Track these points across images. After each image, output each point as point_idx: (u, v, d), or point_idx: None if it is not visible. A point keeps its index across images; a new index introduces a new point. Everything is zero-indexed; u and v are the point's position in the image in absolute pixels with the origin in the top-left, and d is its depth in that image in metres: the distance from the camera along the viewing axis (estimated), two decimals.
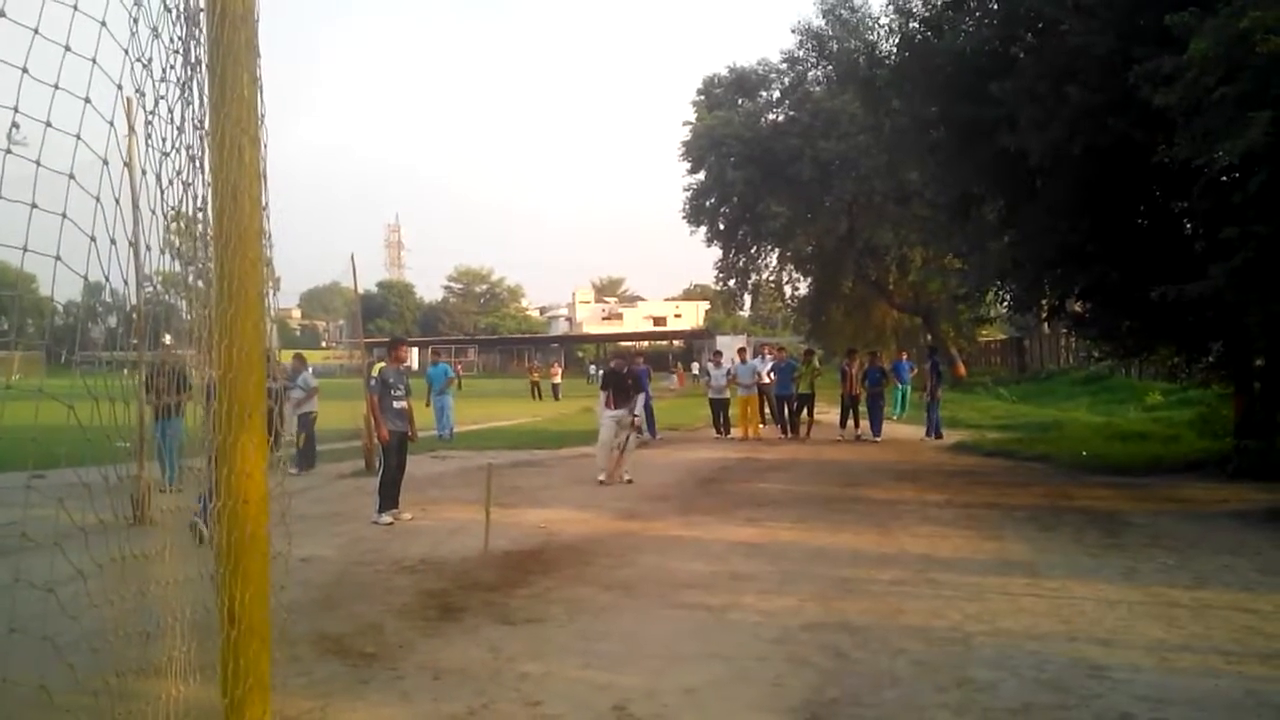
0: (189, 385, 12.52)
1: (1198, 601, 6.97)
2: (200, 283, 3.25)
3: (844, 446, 19.83)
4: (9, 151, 1.88)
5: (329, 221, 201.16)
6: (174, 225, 2.75)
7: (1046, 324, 35.21)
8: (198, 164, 2.39)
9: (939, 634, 6.19)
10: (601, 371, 16.05)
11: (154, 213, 2.31)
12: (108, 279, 2.33)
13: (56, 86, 1.97)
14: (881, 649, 5.88)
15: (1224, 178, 10.88)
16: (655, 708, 4.93)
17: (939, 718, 4.76)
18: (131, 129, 2.47)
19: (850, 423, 21.44)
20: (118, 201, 2.14)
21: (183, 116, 2.40)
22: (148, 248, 2.50)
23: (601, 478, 13.98)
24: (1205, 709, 4.84)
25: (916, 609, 6.83)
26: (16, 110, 1.87)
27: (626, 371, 15.31)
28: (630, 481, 13.96)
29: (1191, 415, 18.42)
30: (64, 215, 2.02)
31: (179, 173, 2.37)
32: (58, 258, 2.00)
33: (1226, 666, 5.49)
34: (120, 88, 2.13)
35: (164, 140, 2.33)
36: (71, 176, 2.01)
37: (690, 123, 46.46)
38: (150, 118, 2.31)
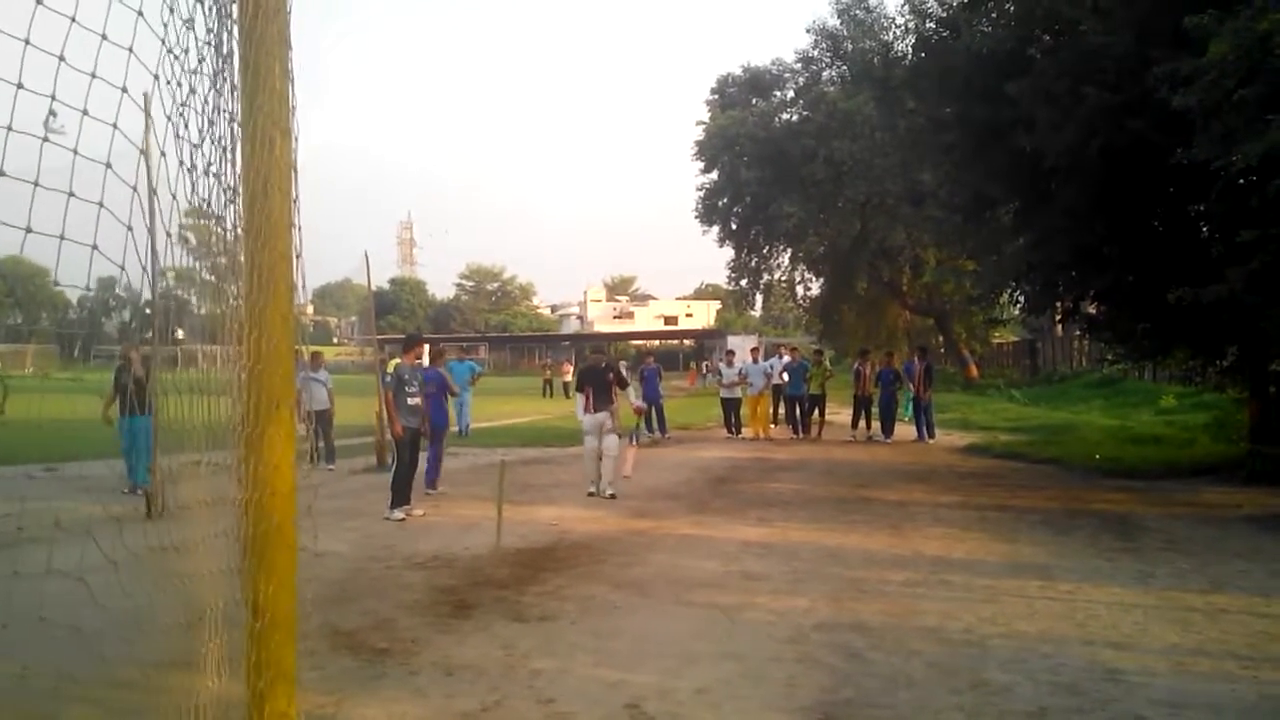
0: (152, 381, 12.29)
1: (1213, 606, 6.94)
2: (214, 278, 3.26)
3: (855, 447, 19.79)
4: (46, 139, 1.88)
5: (341, 219, 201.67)
6: (197, 220, 2.76)
7: (1060, 326, 35.14)
8: (228, 156, 2.40)
9: (953, 636, 6.17)
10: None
11: (188, 202, 2.32)
12: (123, 269, 2.33)
13: (94, 75, 1.98)
14: (895, 650, 5.87)
15: (1242, 180, 10.81)
16: (668, 706, 4.93)
17: None
18: (157, 118, 2.48)
19: (862, 423, 21.40)
20: (154, 193, 2.15)
21: (215, 108, 2.41)
22: (167, 233, 2.50)
23: (591, 490, 12.56)
24: (1221, 714, 4.82)
25: (930, 610, 6.82)
26: (54, 99, 1.87)
27: (605, 366, 13.35)
28: (613, 497, 12.29)
29: (1206, 419, 18.33)
30: (100, 204, 2.03)
31: (210, 165, 2.38)
32: (94, 247, 2.01)
33: (1242, 671, 5.46)
34: (157, 78, 2.13)
35: (199, 131, 2.34)
36: (109, 166, 2.01)
37: (704, 122, 46.43)
38: (181, 109, 2.32)
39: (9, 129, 1.93)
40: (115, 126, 2.02)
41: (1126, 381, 29.69)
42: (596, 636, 6.24)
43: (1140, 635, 6.22)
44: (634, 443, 13.50)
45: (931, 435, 20.56)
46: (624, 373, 14.74)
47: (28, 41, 1.89)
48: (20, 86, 1.88)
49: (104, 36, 2.01)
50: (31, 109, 2.04)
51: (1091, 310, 17.14)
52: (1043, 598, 7.16)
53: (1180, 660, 5.68)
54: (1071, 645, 5.97)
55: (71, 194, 1.99)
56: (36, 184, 1.93)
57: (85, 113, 1.98)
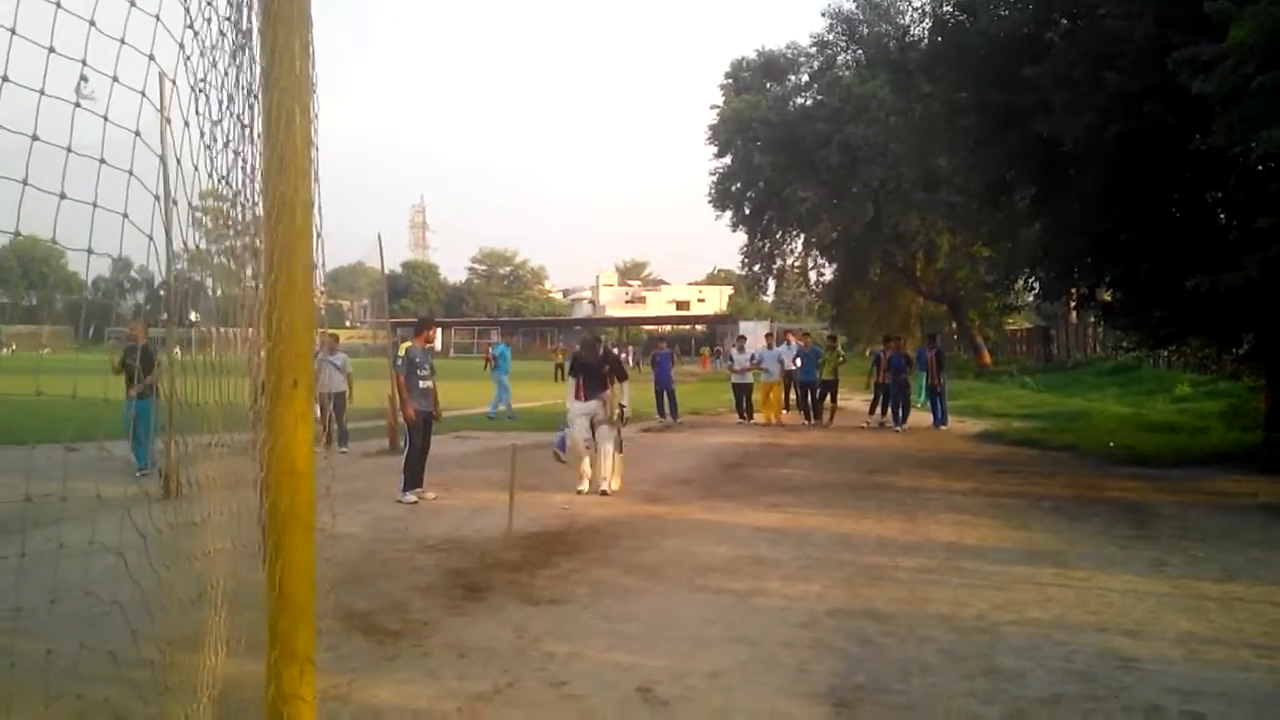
0: (157, 365, 12.41)
1: (1227, 594, 6.91)
2: (229, 260, 3.26)
3: (867, 434, 19.76)
4: (78, 105, 1.86)
5: (353, 202, 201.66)
6: (213, 201, 2.75)
7: (1075, 313, 35.02)
8: (248, 133, 2.39)
9: (966, 622, 6.16)
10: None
11: (206, 181, 2.32)
12: (156, 236, 2.31)
13: (123, 41, 1.96)
14: (908, 636, 5.86)
15: (1260, 167, 10.74)
16: (681, 690, 4.93)
17: (966, 706, 4.73)
18: (175, 96, 2.47)
19: (878, 410, 21.33)
20: (179, 162, 2.14)
21: (235, 85, 2.39)
22: (189, 203, 2.49)
23: (582, 487, 11.40)
24: (1235, 702, 4.80)
25: (943, 597, 6.81)
26: (85, 64, 1.85)
27: (602, 357, 12.27)
28: (605, 493, 11.31)
29: (1221, 407, 18.26)
30: (129, 173, 2.02)
31: (228, 141, 2.37)
32: (125, 215, 2.00)
33: (1257, 660, 5.44)
34: (182, 45, 2.12)
35: (219, 106, 2.32)
36: (138, 134, 2.00)
37: (717, 106, 46.35)
38: (201, 85, 2.31)
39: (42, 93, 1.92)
40: (143, 94, 2.01)
41: (1141, 369, 29.59)
42: (608, 620, 6.25)
43: (1154, 623, 6.19)
44: (597, 451, 11.67)
45: (945, 422, 20.50)
46: (623, 365, 12.83)
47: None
48: (51, 52, 1.87)
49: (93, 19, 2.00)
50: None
51: (1107, 297, 17.06)
52: (1056, 585, 7.14)
53: (1194, 649, 5.65)
54: (1085, 633, 5.95)
55: (93, 156, 1.98)
56: (34, 136, 1.92)
57: (82, 99, 1.97)
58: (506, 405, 22.67)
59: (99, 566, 2.36)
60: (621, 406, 11.83)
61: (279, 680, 2.22)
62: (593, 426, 11.67)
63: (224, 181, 2.44)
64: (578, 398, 11.81)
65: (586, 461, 11.62)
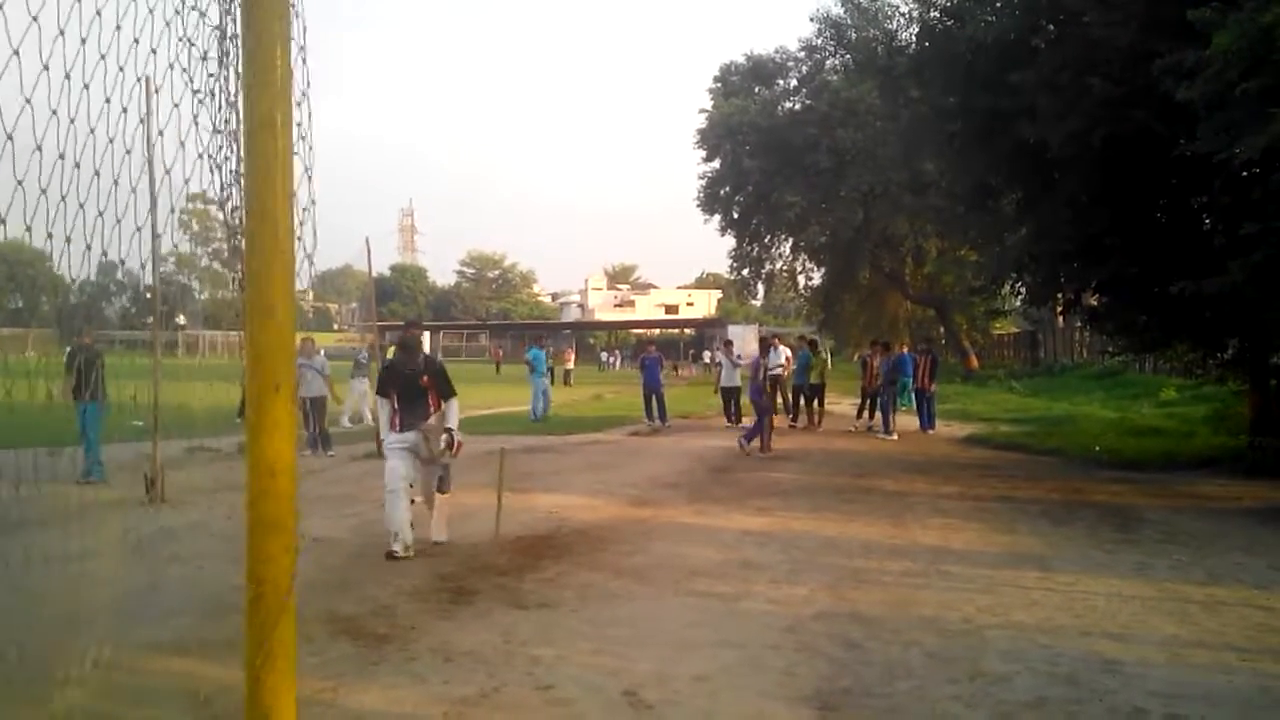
0: (99, 366, 12.09)
1: (1211, 598, 6.94)
2: (216, 264, 3.26)
3: (855, 438, 19.78)
4: None
5: (342, 205, 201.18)
6: (199, 205, 2.76)
7: (1061, 317, 35.17)
8: (234, 139, 2.38)
9: (951, 626, 6.18)
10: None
11: (191, 186, 2.32)
12: (143, 239, 2.30)
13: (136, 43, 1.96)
14: (893, 640, 5.87)
15: (1245, 173, 10.81)
16: (667, 694, 4.94)
17: (951, 710, 4.75)
18: (164, 102, 2.46)
19: (865, 414, 21.36)
20: (167, 170, 2.14)
21: (223, 92, 2.39)
22: (172, 208, 2.49)
23: (395, 547, 8.07)
24: (1218, 705, 4.82)
25: (928, 600, 6.83)
26: (66, 77, 1.83)
27: (422, 363, 8.87)
28: (432, 545, 8.60)
29: (1207, 411, 18.32)
30: (150, 160, 2.02)
31: (219, 149, 2.37)
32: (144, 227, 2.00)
33: (1240, 663, 5.47)
34: (187, 64, 2.13)
35: (210, 118, 2.33)
36: (157, 121, 1.99)
37: (706, 110, 46.44)
38: (198, 95, 2.31)
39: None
40: (153, 84, 2.00)
41: (1127, 373, 29.69)
42: (595, 624, 6.25)
43: (1138, 627, 6.22)
44: (429, 500, 8.95)
45: (932, 426, 20.52)
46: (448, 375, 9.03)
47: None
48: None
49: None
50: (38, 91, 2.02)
51: (1093, 302, 17.14)
52: (1041, 589, 7.16)
53: (1178, 652, 5.68)
54: (1069, 636, 5.97)
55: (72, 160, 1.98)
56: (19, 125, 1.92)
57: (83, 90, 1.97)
58: (545, 407, 23.59)
59: (77, 570, 2.35)
60: (449, 431, 8.61)
61: (259, 684, 2.22)
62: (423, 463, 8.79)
63: (224, 189, 2.44)
64: (393, 427, 8.66)
65: (403, 509, 8.29)
